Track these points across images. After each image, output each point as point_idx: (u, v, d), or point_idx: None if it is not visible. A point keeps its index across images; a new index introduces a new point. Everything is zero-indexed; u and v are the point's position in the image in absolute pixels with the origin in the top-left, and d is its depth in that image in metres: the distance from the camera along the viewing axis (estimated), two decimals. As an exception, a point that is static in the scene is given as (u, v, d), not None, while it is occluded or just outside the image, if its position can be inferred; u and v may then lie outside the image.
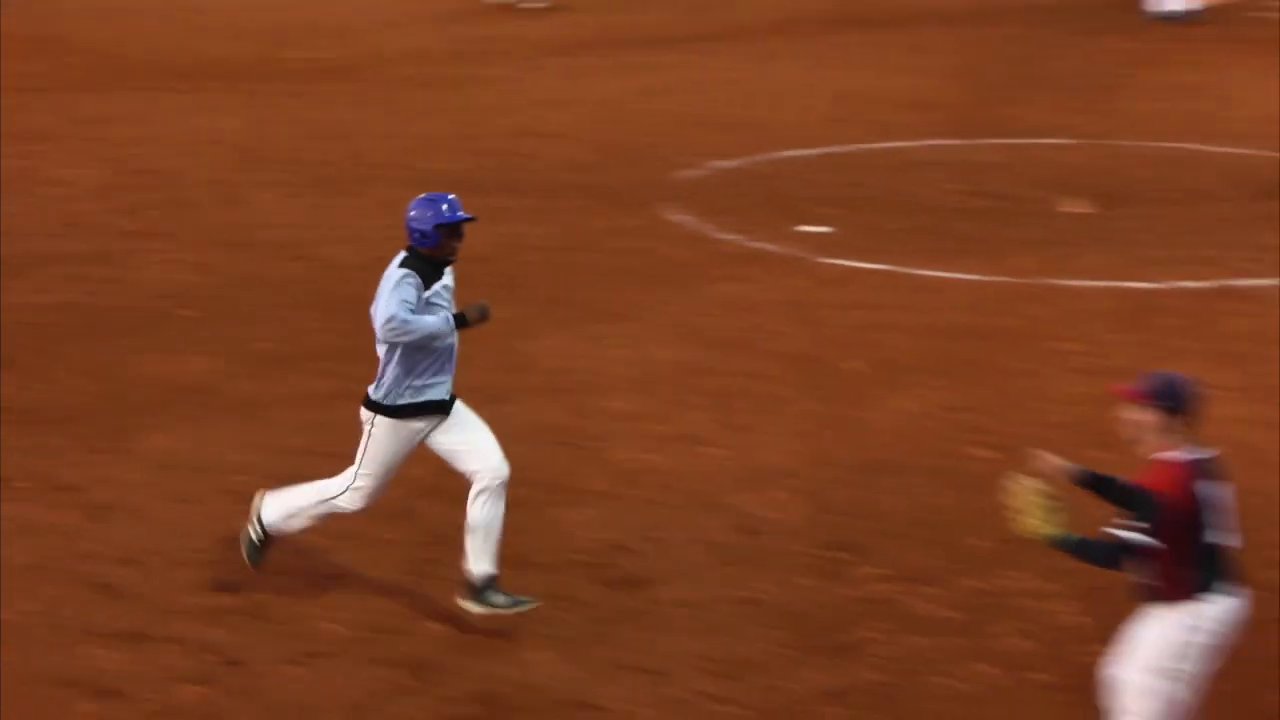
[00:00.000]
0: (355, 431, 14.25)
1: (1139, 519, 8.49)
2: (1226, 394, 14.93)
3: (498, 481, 10.77)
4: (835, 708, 10.20)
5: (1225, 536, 8.66)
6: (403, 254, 10.67)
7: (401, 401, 10.72)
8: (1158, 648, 8.65)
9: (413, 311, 10.47)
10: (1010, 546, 11.64)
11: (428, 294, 10.59)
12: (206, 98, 28.35)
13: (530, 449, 13.88)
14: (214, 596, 11.44)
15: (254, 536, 11.25)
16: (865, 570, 11.86)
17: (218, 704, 10.20)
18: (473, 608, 10.83)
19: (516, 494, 13.00)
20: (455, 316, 10.66)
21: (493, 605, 10.79)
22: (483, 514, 10.78)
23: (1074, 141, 24.33)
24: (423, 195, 10.76)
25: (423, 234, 10.59)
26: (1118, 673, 8.78)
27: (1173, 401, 8.59)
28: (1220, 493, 8.64)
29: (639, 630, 10.93)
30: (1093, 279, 18.07)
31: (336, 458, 13.66)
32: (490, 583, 10.79)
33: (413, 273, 10.54)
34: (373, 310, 10.57)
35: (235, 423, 14.46)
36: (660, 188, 21.86)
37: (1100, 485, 8.85)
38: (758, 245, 19.00)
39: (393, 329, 10.44)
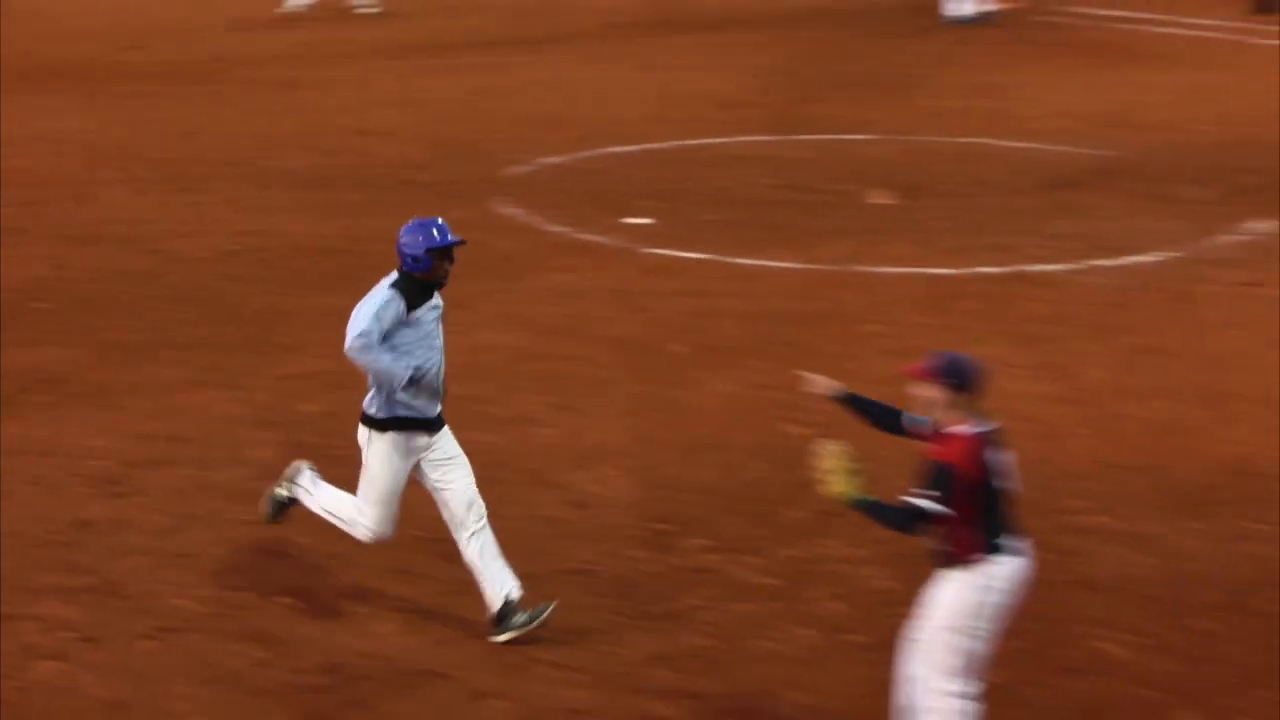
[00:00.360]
0: (207, 416, 14.18)
1: (932, 488, 8.60)
2: (1022, 372, 15.15)
3: (481, 523, 10.47)
4: (664, 671, 10.22)
5: (1010, 502, 8.79)
6: (394, 275, 10.28)
7: (397, 414, 10.30)
8: (954, 608, 8.77)
9: (386, 336, 10.09)
10: (824, 517, 11.76)
11: (414, 315, 10.22)
12: (49, 99, 27.84)
13: (372, 431, 13.84)
14: (70, 576, 11.28)
15: (282, 496, 10.84)
16: (690, 542, 11.89)
17: (76, 679, 10.07)
18: (500, 638, 10.43)
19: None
20: (406, 372, 10.17)
21: (517, 628, 10.41)
22: (479, 553, 10.45)
23: (877, 137, 24.50)
24: (413, 220, 10.37)
25: (415, 258, 10.18)
26: (916, 634, 8.90)
27: (958, 379, 8.73)
28: (1005, 461, 8.77)
29: (477, 601, 10.89)
30: (898, 266, 18.22)
31: (189, 442, 13.57)
32: (508, 609, 10.41)
33: (399, 295, 10.15)
34: (349, 322, 10.17)
35: (90, 410, 14.26)
36: (491, 183, 21.79)
37: (858, 404, 9.20)
38: (585, 237, 19.00)
39: (359, 346, 10.03)
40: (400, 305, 10.10)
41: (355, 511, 10.52)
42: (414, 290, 10.19)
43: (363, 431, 10.41)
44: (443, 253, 10.23)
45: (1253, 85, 28.11)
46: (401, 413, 10.28)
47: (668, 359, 15.37)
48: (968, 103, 26.84)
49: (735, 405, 14.42)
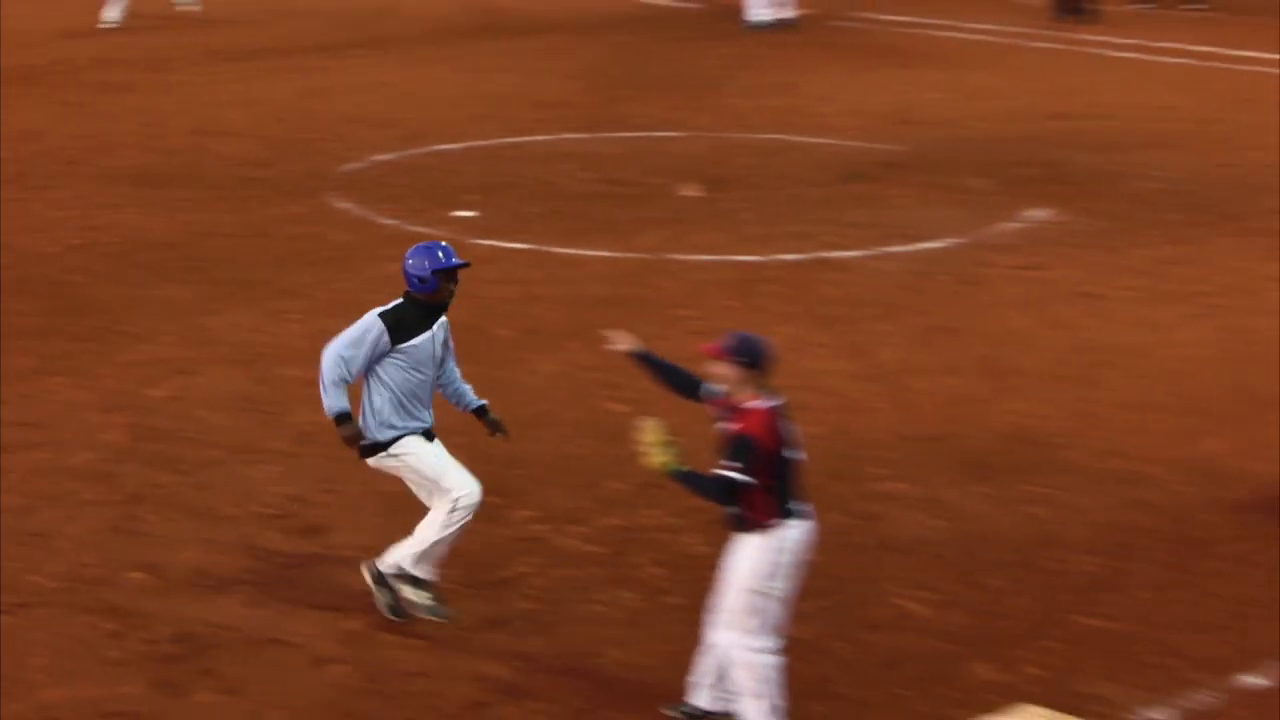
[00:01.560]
0: (57, 401, 13.89)
1: (734, 459, 8.65)
2: (822, 351, 15.24)
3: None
4: (496, 634, 10.17)
5: (799, 470, 8.84)
6: (398, 300, 9.95)
7: (390, 435, 9.95)
8: (752, 570, 8.84)
9: (369, 360, 9.75)
10: (645, 488, 11.75)
11: (412, 343, 9.82)
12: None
13: (218, 414, 13.62)
14: (-72, 556, 11.01)
15: (418, 598, 10.08)
16: (519, 513, 11.83)
17: (-65, 654, 9.83)
18: (380, 568, 10.14)
19: (207, 455, 12.79)
20: (340, 415, 9.79)
21: (413, 602, 10.08)
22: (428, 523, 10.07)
23: (685, 134, 24.49)
24: (418, 244, 10.05)
25: (421, 279, 9.85)
26: (720, 597, 8.93)
27: (749, 357, 8.79)
28: (793, 432, 8.83)
29: (320, 573, 10.78)
30: (706, 254, 18.24)
31: (40, 427, 13.28)
32: (419, 583, 10.09)
33: (385, 327, 9.79)
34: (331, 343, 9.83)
35: (-56, 398, 13.91)
36: (326, 179, 21.53)
37: (655, 365, 9.36)
38: (415, 229, 18.79)
39: (326, 367, 9.75)
40: (378, 337, 9.75)
41: (442, 511, 9.96)
42: (416, 315, 9.87)
43: (378, 459, 10.02)
44: (448, 274, 9.90)
45: (1026, 84, 28.47)
46: (396, 434, 9.96)
47: (494, 342, 15.28)
48: (768, 101, 26.93)
49: (559, 384, 14.37)
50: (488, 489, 12.12)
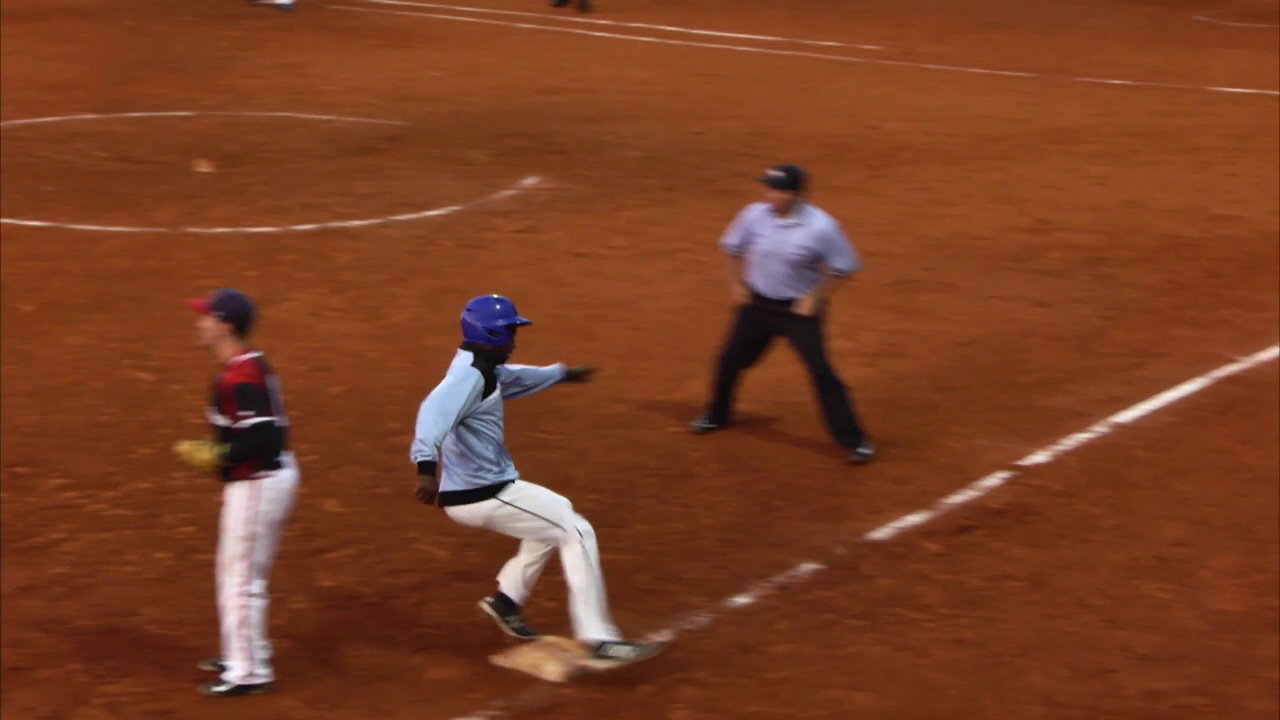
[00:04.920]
0: None
1: (245, 408, 8.55)
2: (339, 314, 15.05)
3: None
4: (32, 600, 9.71)
5: (282, 421, 8.77)
6: (469, 354, 9.05)
7: (498, 479, 9.09)
8: (243, 518, 8.73)
9: (465, 412, 8.90)
10: (171, 453, 11.35)
11: (484, 404, 9.00)
12: None
13: None
14: None
15: (627, 652, 9.16)
16: (50, 482, 11.32)
17: None
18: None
19: None
20: (429, 464, 8.78)
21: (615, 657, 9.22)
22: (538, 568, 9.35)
23: (196, 113, 23.83)
24: (480, 298, 9.18)
25: (494, 331, 9.02)
26: (219, 547, 8.82)
27: (225, 311, 8.67)
28: (276, 386, 8.74)
29: None
30: (224, 226, 17.78)
31: None
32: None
33: (481, 376, 8.99)
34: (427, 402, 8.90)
35: None
36: None
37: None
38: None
39: (431, 419, 8.79)
40: (475, 386, 8.95)
41: (575, 555, 9.12)
42: (488, 369, 9.07)
43: (486, 506, 9.12)
44: (513, 329, 9.18)
45: (516, 62, 28.70)
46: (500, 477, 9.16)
47: (17, 317, 14.58)
48: (275, 81, 26.44)
49: (85, 355, 13.79)
50: (16, 459, 11.63)
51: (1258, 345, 14.83)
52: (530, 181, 20.13)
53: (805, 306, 12.16)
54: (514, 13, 33.96)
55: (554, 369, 9.76)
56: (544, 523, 9.11)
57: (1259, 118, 25.08)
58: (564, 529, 9.12)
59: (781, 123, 24.02)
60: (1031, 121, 24.47)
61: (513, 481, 9.11)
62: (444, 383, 8.97)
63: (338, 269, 16.39)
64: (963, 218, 18.89)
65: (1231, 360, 14.44)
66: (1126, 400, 13.46)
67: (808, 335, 12.25)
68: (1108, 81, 27.98)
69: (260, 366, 8.67)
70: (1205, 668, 9.46)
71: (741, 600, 10.07)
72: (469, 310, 9.14)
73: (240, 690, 8.82)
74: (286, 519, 8.92)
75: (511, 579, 9.43)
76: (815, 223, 12.11)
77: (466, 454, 9.01)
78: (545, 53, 29.68)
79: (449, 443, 8.99)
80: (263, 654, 8.85)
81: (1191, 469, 12.21)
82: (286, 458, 8.81)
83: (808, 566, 10.46)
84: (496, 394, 9.15)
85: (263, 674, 8.85)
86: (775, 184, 12.11)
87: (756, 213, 12.30)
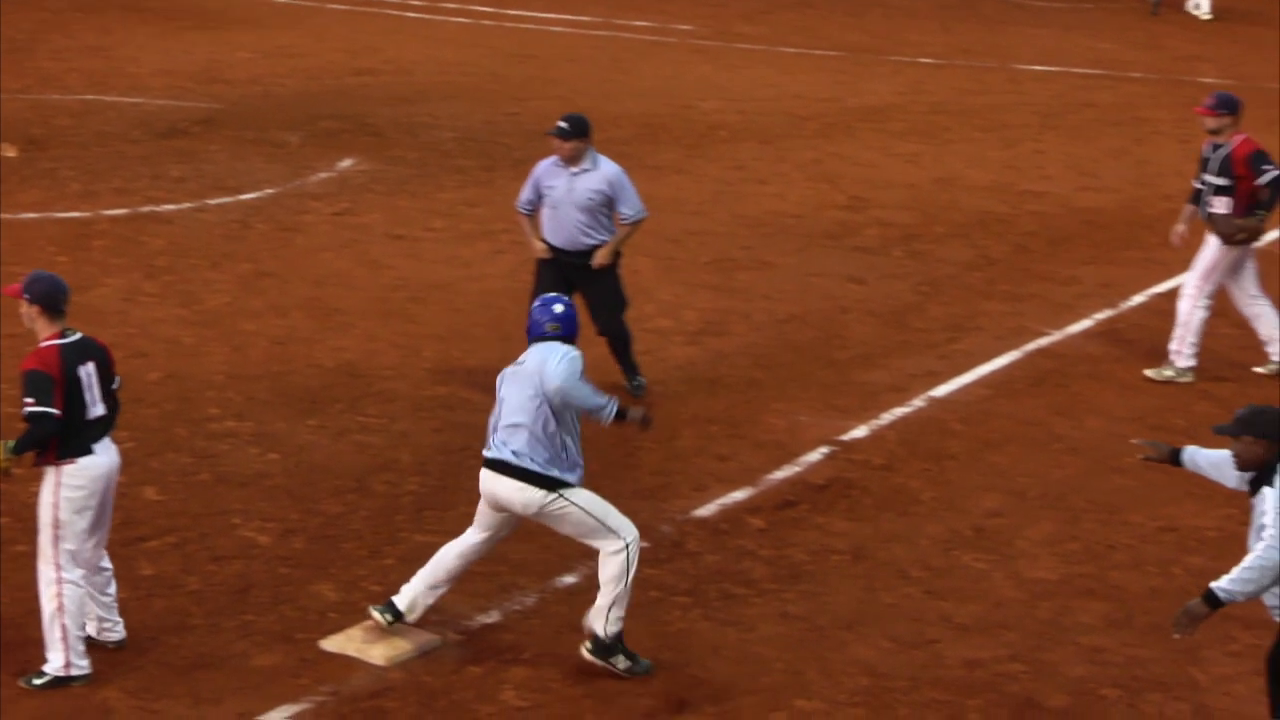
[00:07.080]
0: None
1: (26, 395, 8.49)
2: (154, 300, 14.81)
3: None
4: None
5: (95, 407, 8.67)
6: (562, 345, 9.08)
7: (575, 478, 9.09)
8: (53, 503, 8.65)
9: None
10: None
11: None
12: None
13: None
14: None
15: (624, 665, 9.09)
16: None
17: None
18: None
19: None
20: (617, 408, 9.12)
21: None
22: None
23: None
24: (547, 295, 9.49)
25: (574, 322, 9.21)
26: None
27: (32, 293, 8.63)
28: (90, 370, 8.59)
29: None
30: (32, 212, 17.38)
31: None
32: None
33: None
34: (543, 372, 8.95)
35: None
36: None
37: None
38: None
39: (580, 386, 8.97)
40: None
41: (614, 552, 9.05)
42: None
43: (545, 496, 9.01)
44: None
45: (328, 43, 28.37)
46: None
47: None
48: (80, 63, 25.88)
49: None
50: None
51: (1067, 318, 15.17)
52: (346, 164, 19.94)
53: (601, 257, 12.58)
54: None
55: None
56: (595, 523, 9.05)
57: (1064, 95, 25.61)
58: (610, 527, 9.04)
59: (597, 103, 23.99)
60: (843, 100, 24.75)
61: (575, 486, 9.07)
62: (556, 360, 8.94)
63: (151, 254, 16.11)
64: (779, 196, 19.06)
65: (1042, 333, 14.76)
66: (942, 374, 13.70)
67: (606, 293, 12.68)
68: (917, 60, 28.38)
69: (61, 353, 8.51)
70: (1023, 635, 9.68)
71: (568, 580, 10.10)
72: (550, 305, 9.20)
73: (59, 682, 8.68)
74: (108, 505, 8.77)
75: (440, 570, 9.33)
76: (604, 168, 12.68)
77: (556, 436, 8.96)
78: (358, 34, 29.39)
79: (541, 421, 8.95)
80: (80, 645, 8.71)
81: (1006, 441, 12.47)
82: (100, 444, 8.68)
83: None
84: None
85: (82, 665, 8.72)
86: (563, 134, 12.67)
87: (545, 166, 12.85)
